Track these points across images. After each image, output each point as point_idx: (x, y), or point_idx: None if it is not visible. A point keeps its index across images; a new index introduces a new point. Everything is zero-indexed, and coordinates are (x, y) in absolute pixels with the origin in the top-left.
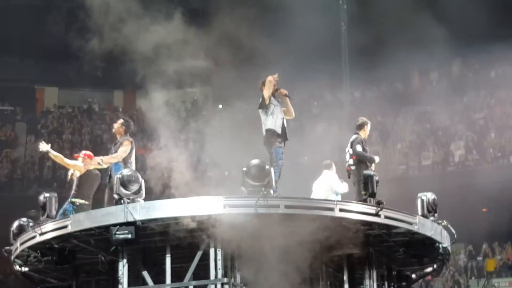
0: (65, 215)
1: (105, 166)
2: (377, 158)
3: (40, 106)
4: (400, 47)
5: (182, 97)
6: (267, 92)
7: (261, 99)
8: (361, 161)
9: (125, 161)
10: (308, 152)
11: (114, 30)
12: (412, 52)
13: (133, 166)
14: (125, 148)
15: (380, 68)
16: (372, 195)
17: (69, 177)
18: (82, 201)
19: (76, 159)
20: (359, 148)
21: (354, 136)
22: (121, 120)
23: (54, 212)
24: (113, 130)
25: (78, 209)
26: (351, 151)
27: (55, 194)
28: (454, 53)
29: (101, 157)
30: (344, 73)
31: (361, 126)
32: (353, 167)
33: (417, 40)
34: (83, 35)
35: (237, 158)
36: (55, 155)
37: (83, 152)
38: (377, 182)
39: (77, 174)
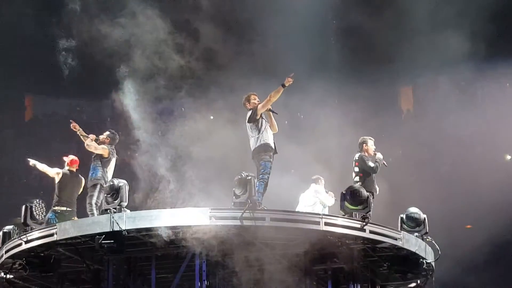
0: (48, 223)
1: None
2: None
3: (29, 114)
4: (386, 64)
5: (171, 107)
6: (266, 107)
7: (252, 112)
8: (366, 178)
9: (103, 166)
10: (295, 165)
11: (102, 38)
12: (397, 69)
13: (110, 175)
14: (101, 147)
15: (367, 84)
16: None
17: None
18: (64, 208)
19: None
20: (371, 163)
21: (357, 155)
22: (107, 132)
23: (24, 220)
24: (98, 141)
25: (60, 216)
26: (356, 169)
27: (34, 202)
28: (441, 70)
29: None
30: (332, 88)
31: (360, 145)
32: (358, 184)
33: (402, 57)
34: (72, 44)
35: (226, 170)
36: (41, 167)
37: (70, 156)
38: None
39: (56, 180)
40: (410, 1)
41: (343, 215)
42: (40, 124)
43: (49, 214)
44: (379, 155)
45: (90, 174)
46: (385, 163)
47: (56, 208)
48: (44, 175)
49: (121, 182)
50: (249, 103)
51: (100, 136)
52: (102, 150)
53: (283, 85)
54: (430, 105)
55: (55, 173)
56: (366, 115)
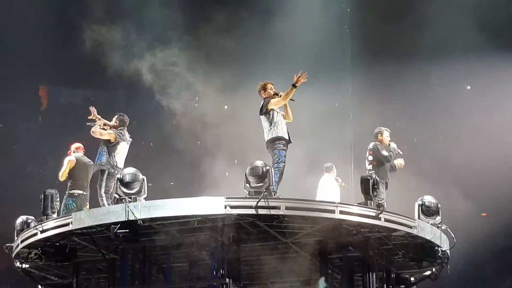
0: (67, 209)
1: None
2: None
3: (44, 104)
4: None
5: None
6: (277, 105)
7: (263, 105)
8: (380, 167)
9: (109, 152)
10: (310, 154)
11: (118, 27)
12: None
13: (119, 159)
14: (106, 132)
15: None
16: (369, 198)
17: None
18: (80, 192)
19: (69, 155)
20: (385, 152)
21: (371, 144)
22: (116, 116)
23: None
24: (109, 127)
25: (77, 200)
26: (370, 158)
27: (52, 192)
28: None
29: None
30: (347, 79)
31: (376, 135)
32: (372, 172)
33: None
34: (87, 34)
35: (240, 158)
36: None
37: (75, 144)
38: (374, 184)
39: (69, 168)
40: None
41: (359, 203)
42: (54, 114)
43: (66, 200)
44: (393, 145)
45: (96, 159)
46: (399, 151)
47: (72, 191)
48: (60, 164)
49: (125, 172)
50: (264, 92)
51: (110, 122)
52: (108, 135)
53: (294, 85)
54: (439, 91)
55: (68, 162)
56: (382, 102)
